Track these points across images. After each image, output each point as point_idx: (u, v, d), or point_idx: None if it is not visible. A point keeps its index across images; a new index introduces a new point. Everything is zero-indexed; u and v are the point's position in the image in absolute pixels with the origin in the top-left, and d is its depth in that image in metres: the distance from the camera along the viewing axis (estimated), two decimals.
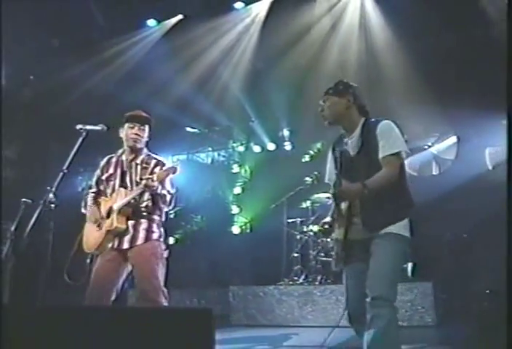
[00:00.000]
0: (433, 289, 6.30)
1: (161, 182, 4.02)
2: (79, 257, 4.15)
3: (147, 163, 4.22)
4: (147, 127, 4.33)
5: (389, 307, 3.17)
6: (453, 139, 8.88)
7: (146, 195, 4.12)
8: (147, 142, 4.41)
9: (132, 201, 4.07)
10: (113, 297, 4.03)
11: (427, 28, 8.39)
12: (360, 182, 3.17)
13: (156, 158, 4.31)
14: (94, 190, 4.36)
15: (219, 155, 9.91)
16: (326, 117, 3.50)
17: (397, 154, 3.29)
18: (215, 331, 2.16)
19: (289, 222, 8.04)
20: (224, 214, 9.41)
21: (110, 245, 4.09)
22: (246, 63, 9.00)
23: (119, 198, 4.10)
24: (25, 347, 2.07)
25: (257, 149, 9.83)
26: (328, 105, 3.47)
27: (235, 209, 9.56)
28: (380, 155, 3.26)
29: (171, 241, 9.61)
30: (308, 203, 8.04)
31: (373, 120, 3.44)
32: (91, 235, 4.13)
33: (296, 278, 7.37)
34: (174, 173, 3.98)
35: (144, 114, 4.38)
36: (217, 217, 9.22)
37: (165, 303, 3.97)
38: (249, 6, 8.76)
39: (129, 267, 4.11)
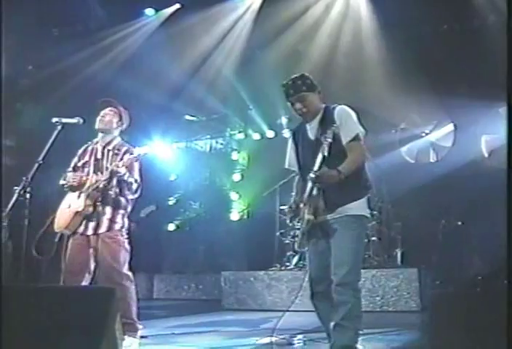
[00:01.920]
0: (418, 275, 6.37)
1: (130, 169, 4.19)
2: (49, 235, 4.34)
3: (118, 150, 4.38)
4: (116, 115, 4.48)
5: (352, 291, 3.35)
6: (450, 127, 8.90)
7: (114, 182, 4.27)
8: (121, 131, 4.55)
9: (101, 185, 4.23)
10: (86, 277, 4.24)
11: (423, 17, 8.40)
12: (335, 168, 3.33)
13: (126, 146, 4.46)
14: (70, 174, 4.50)
15: (217, 142, 10.03)
16: (307, 115, 3.57)
17: (357, 137, 3.45)
18: (117, 309, 2.31)
19: (281, 209, 8.16)
20: (222, 201, 9.57)
21: (77, 227, 4.28)
22: (243, 52, 9.05)
23: (89, 183, 4.29)
24: None
25: (256, 136, 9.92)
26: (308, 103, 3.53)
27: (234, 196, 9.69)
28: (344, 142, 3.43)
29: (171, 227, 9.82)
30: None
31: (331, 106, 3.59)
32: (62, 216, 4.32)
33: (288, 263, 7.51)
34: (136, 161, 4.21)
35: (114, 103, 4.52)
36: (215, 203, 9.38)
37: (131, 286, 4.24)
38: None
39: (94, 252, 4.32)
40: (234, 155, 9.92)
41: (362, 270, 6.62)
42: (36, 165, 3.96)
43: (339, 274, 3.32)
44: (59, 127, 4.12)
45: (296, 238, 3.74)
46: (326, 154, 3.30)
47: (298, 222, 3.48)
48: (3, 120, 6.67)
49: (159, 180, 9.60)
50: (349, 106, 3.60)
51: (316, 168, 3.30)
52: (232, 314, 6.62)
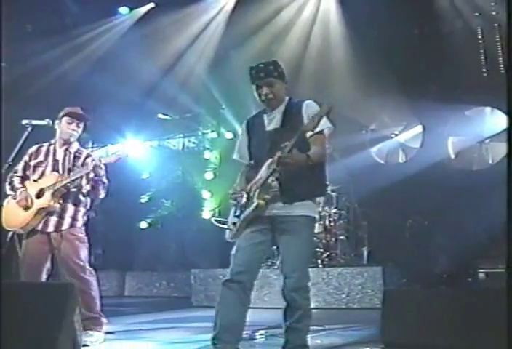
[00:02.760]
0: (382, 273, 6.54)
1: (103, 170, 4.33)
2: None
3: (79, 153, 4.57)
4: (82, 125, 4.60)
5: (305, 294, 3.35)
6: (419, 128, 9.11)
7: (78, 181, 4.39)
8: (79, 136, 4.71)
9: (68, 184, 4.34)
10: (45, 273, 4.34)
11: (393, 21, 8.58)
12: (305, 153, 3.25)
13: (85, 151, 4.68)
14: (20, 174, 4.57)
15: (190, 141, 10.09)
16: (271, 102, 3.45)
17: (322, 131, 3.36)
18: (76, 303, 2.41)
19: None
20: (194, 199, 9.64)
21: (35, 225, 4.36)
22: (216, 52, 9.17)
23: (52, 181, 4.37)
24: None
25: (228, 136, 10.01)
26: (276, 90, 3.43)
27: (206, 194, 9.77)
28: (308, 134, 3.25)
29: (143, 225, 9.87)
30: None
31: (296, 99, 3.53)
32: (15, 215, 4.37)
33: None
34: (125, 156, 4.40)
35: (82, 112, 4.63)
36: (187, 202, 9.46)
37: (94, 280, 4.40)
38: None
39: (53, 249, 4.41)
40: (206, 154, 9.99)
41: (329, 268, 6.85)
42: (6, 165, 4.07)
43: (294, 278, 3.30)
44: (29, 129, 4.24)
45: (231, 226, 3.46)
46: (294, 142, 3.16)
47: (239, 208, 3.37)
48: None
49: (131, 178, 9.67)
50: (316, 101, 3.49)
51: (285, 150, 3.14)
52: (201, 311, 6.71)
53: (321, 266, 7.09)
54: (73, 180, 4.31)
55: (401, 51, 8.62)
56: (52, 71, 8.77)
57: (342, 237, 7.42)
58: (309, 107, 3.39)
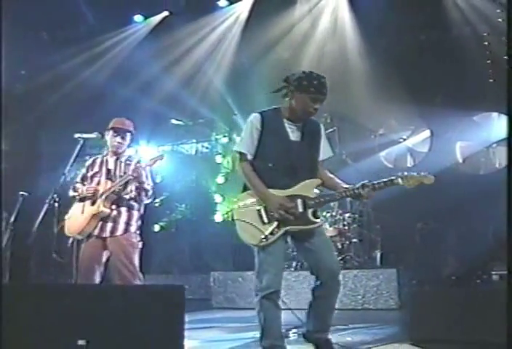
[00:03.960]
0: (396, 275, 6.72)
1: (146, 176, 4.62)
2: (62, 240, 4.63)
3: (129, 161, 4.83)
4: (128, 135, 4.80)
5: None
6: (427, 133, 9.26)
7: (130, 187, 4.60)
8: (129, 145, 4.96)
9: (117, 189, 4.57)
10: (98, 277, 4.55)
11: (403, 28, 8.79)
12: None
13: (135, 158, 4.90)
14: (79, 185, 4.80)
15: (202, 146, 10.29)
16: (307, 116, 3.62)
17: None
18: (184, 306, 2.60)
19: None
20: (207, 203, 9.82)
21: (91, 231, 4.62)
22: (230, 60, 9.35)
23: (103, 188, 4.65)
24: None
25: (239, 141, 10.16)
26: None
27: (218, 198, 9.95)
28: (321, 157, 3.72)
29: (156, 228, 10.04)
30: None
31: (313, 118, 3.72)
32: (75, 221, 4.61)
33: None
34: (161, 159, 4.67)
35: (126, 124, 4.88)
36: (201, 205, 9.63)
37: None
38: (232, 6, 9.12)
39: (108, 254, 4.66)
40: (218, 159, 10.16)
41: (345, 271, 7.04)
42: (63, 177, 4.47)
43: (335, 270, 3.65)
44: (81, 142, 4.64)
45: (268, 233, 3.51)
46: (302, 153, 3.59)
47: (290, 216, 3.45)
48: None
49: None
50: None
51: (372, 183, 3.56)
52: (221, 312, 6.90)
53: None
54: (119, 186, 4.53)
55: (409, 58, 8.79)
56: (69, 80, 8.94)
57: (355, 240, 7.61)
58: (324, 132, 3.78)
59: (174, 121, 9.79)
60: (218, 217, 9.85)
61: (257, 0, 9.01)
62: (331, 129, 9.52)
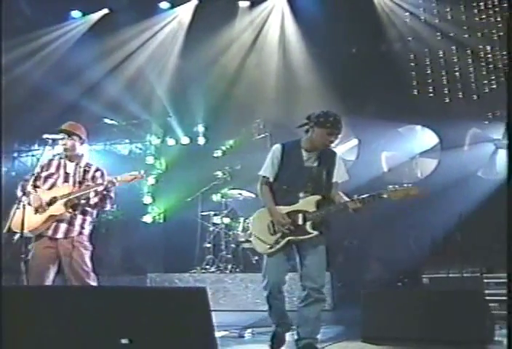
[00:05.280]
0: (330, 278, 7.00)
1: (113, 187, 4.70)
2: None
3: (88, 167, 4.89)
4: (76, 139, 4.81)
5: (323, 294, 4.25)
6: (354, 141, 9.63)
7: (91, 194, 4.68)
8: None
9: (84, 196, 4.66)
10: (51, 279, 4.52)
11: (337, 40, 9.14)
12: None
13: (94, 165, 5.00)
14: (31, 183, 4.73)
15: (136, 147, 10.22)
16: (323, 147, 4.20)
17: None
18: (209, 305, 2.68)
19: (202, 215, 8.58)
20: (139, 204, 9.76)
21: (43, 230, 4.60)
22: (168, 63, 9.38)
23: (64, 191, 4.67)
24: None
25: (171, 142, 10.22)
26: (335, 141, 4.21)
27: (148, 199, 9.91)
28: (334, 180, 4.24)
29: None
30: (219, 197, 8.70)
31: (329, 148, 4.31)
32: (27, 219, 4.50)
33: (208, 266, 7.92)
34: (141, 178, 4.79)
35: (71, 127, 4.85)
36: (132, 206, 9.54)
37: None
38: (174, 9, 9.17)
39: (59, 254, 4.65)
40: (150, 160, 10.12)
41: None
42: (33, 177, 4.56)
43: (319, 279, 4.16)
44: (50, 142, 4.64)
45: (273, 243, 4.15)
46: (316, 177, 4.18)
47: (288, 229, 4.06)
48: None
49: None
50: None
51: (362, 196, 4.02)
52: None
53: None
54: (87, 193, 4.54)
55: (341, 69, 9.14)
56: (5, 75, 8.61)
57: None
58: (339, 159, 4.33)
59: (107, 121, 9.65)
60: (148, 218, 9.82)
61: (198, 5, 9.10)
62: (263, 135, 9.77)
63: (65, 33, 9.17)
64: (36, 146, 9.71)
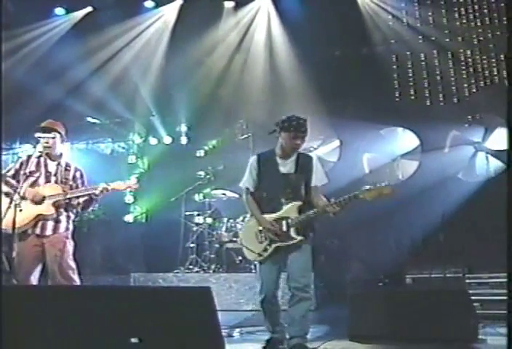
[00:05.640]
0: (313, 279, 7.04)
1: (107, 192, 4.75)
2: None
3: (68, 167, 4.96)
4: (57, 135, 4.78)
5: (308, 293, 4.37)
6: (336, 142, 9.70)
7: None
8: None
9: (74, 198, 4.77)
10: (37, 276, 4.52)
11: (321, 42, 9.21)
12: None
13: (73, 165, 5.07)
14: (14, 183, 4.71)
15: (119, 146, 10.16)
16: (293, 151, 4.36)
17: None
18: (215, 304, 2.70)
19: (186, 215, 8.57)
20: (120, 204, 9.70)
21: (28, 228, 4.62)
22: (152, 62, 9.37)
23: (53, 191, 4.71)
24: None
25: (153, 141, 10.21)
26: (303, 143, 4.37)
27: (130, 199, 9.86)
28: (313, 184, 4.38)
29: None
30: (202, 197, 8.73)
31: (304, 153, 4.53)
32: (10, 216, 4.45)
33: (191, 266, 7.92)
34: (134, 188, 5.09)
35: (51, 124, 4.83)
36: (114, 205, 9.48)
37: (79, 282, 4.80)
38: (159, 9, 9.16)
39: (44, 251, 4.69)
40: (131, 159, 10.07)
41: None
42: (11, 173, 4.64)
43: (305, 278, 4.29)
44: (41, 140, 4.71)
45: (261, 251, 4.32)
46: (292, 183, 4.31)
47: (271, 237, 4.21)
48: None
49: None
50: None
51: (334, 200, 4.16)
52: None
53: (254, 271, 7.54)
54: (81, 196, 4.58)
55: (323, 70, 9.21)
56: None
57: None
58: (316, 162, 4.45)
59: (90, 119, 9.58)
60: (129, 218, 9.78)
61: (183, 5, 9.09)
62: (245, 135, 9.80)
63: (48, 31, 9.07)
64: (17, 144, 9.59)
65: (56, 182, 4.78)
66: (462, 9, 8.87)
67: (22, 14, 8.57)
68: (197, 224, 8.40)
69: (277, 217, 4.27)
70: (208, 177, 8.54)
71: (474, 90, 8.63)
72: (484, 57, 8.68)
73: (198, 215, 8.45)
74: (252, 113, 9.59)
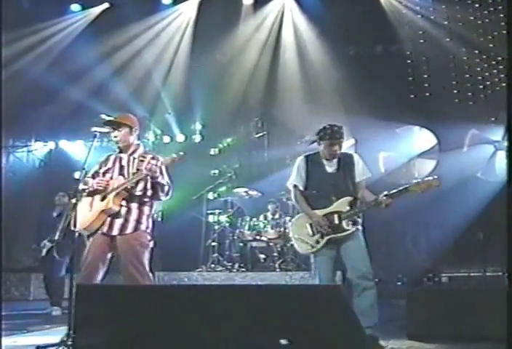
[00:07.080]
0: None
1: (161, 172, 4.37)
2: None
3: (143, 157, 4.46)
4: (125, 128, 4.60)
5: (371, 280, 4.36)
6: (351, 141, 9.64)
7: (142, 185, 4.42)
8: (138, 136, 4.75)
9: (129, 186, 4.35)
10: (101, 276, 4.32)
11: (339, 43, 9.19)
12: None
13: (150, 153, 4.63)
14: (90, 179, 4.54)
15: None
16: (333, 156, 4.56)
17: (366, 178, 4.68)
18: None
19: (208, 213, 8.48)
20: None
21: (98, 227, 4.35)
22: (171, 59, 9.27)
23: (115, 184, 4.39)
24: None
25: (166, 139, 10.12)
26: (340, 148, 4.57)
27: None
28: (358, 179, 4.56)
29: None
30: (220, 195, 8.65)
31: (346, 153, 4.75)
32: (82, 216, 4.35)
33: (213, 265, 7.83)
34: (179, 160, 4.40)
35: (120, 118, 4.70)
36: None
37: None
38: (177, 6, 9.10)
39: (113, 252, 4.41)
40: None
41: (292, 273, 7.23)
42: (84, 172, 4.30)
43: (366, 266, 4.30)
44: (97, 135, 4.54)
45: (313, 243, 4.44)
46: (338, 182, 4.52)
47: (327, 228, 4.35)
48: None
49: (66, 179, 9.40)
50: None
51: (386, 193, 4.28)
52: None
53: (278, 270, 7.49)
54: (132, 183, 4.33)
55: (341, 69, 9.17)
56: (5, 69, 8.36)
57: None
58: (357, 159, 4.66)
59: (104, 117, 9.44)
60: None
61: (202, 2, 9.00)
62: (261, 134, 9.75)
63: (64, 28, 8.95)
64: (32, 141, 9.45)
65: (128, 174, 4.46)
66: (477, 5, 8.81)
67: (37, 10, 8.41)
68: (218, 222, 8.29)
69: (328, 212, 4.44)
70: (229, 175, 8.45)
71: (497, 88, 8.54)
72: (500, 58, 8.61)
73: (220, 214, 8.35)
74: (268, 110, 9.56)
